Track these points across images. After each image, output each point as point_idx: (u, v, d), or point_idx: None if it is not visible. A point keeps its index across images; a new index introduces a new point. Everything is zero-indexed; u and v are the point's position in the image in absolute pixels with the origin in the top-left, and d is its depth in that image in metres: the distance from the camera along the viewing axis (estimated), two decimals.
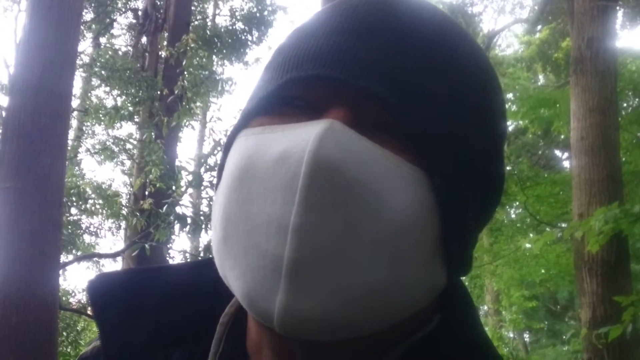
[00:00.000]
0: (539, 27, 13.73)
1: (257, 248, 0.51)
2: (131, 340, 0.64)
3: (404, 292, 0.53)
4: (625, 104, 11.22)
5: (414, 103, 0.53)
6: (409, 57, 0.54)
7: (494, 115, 0.60)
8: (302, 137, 0.51)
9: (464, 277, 0.63)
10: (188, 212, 7.22)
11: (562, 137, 11.06)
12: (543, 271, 10.14)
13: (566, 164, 16.16)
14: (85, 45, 13.16)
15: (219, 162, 0.64)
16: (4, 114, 6.20)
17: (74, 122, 11.61)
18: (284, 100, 0.56)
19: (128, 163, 12.31)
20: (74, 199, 9.00)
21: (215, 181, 0.66)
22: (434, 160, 0.53)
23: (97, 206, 10.22)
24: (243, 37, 13.30)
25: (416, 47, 0.55)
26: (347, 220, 0.49)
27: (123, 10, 14.44)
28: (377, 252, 0.50)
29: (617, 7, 7.52)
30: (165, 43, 11.34)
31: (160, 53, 11.43)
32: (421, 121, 0.53)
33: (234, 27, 13.56)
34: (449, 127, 0.54)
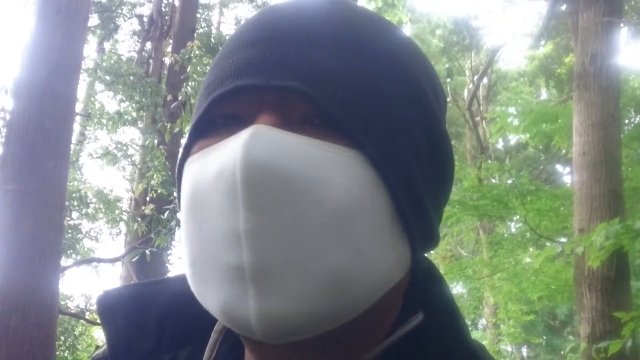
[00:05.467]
0: (543, 42, 13.78)
1: (220, 263, 0.53)
2: (136, 345, 0.68)
3: (367, 269, 0.53)
4: (627, 121, 11.25)
5: (332, 90, 0.54)
6: (321, 50, 0.56)
7: (423, 87, 0.61)
8: (232, 148, 0.53)
9: (461, 289, 0.63)
10: None
11: (564, 152, 11.08)
12: (543, 287, 10.10)
13: (567, 179, 16.18)
14: (89, 50, 13.23)
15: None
16: (8, 116, 6.21)
17: (76, 127, 11.63)
18: (215, 119, 0.58)
19: (129, 168, 12.32)
20: (75, 203, 9.01)
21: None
22: (364, 138, 0.54)
23: (99, 212, 10.22)
24: None
25: (328, 39, 0.57)
26: (293, 213, 0.51)
27: (128, 16, 14.50)
28: (329, 237, 0.51)
29: (621, 24, 7.56)
30: (169, 49, 11.39)
31: (164, 59, 11.47)
32: (342, 105, 0.54)
33: None
34: (372, 104, 0.55)
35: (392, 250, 0.56)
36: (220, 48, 0.65)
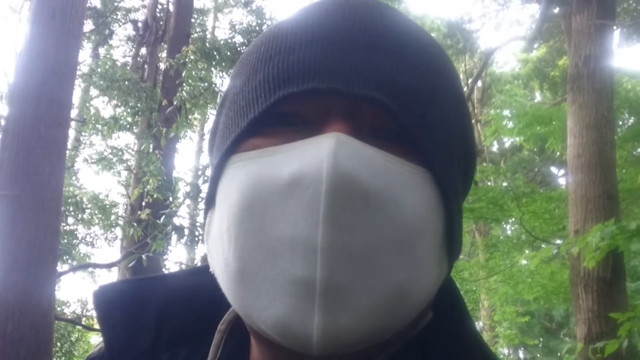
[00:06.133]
0: (537, 45, 13.84)
1: (283, 274, 0.50)
2: (134, 342, 0.66)
3: (422, 286, 0.54)
4: (620, 122, 11.29)
5: (409, 105, 0.54)
6: (396, 61, 0.55)
7: (463, 100, 0.63)
8: (312, 156, 0.50)
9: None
10: (185, 223, 7.22)
11: (558, 154, 11.12)
12: (539, 288, 10.13)
13: (562, 181, 16.23)
14: (84, 56, 13.22)
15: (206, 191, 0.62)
16: (3, 122, 6.21)
17: (71, 132, 11.62)
18: (275, 118, 0.55)
19: (125, 173, 12.31)
20: (71, 208, 9.00)
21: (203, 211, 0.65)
22: (435, 158, 0.54)
23: (94, 217, 10.22)
24: (242, 51, 13.37)
25: (400, 49, 0.56)
26: (371, 230, 0.50)
27: (123, 21, 14.50)
28: (399, 255, 0.51)
29: (614, 26, 7.60)
30: (164, 54, 11.39)
31: (159, 64, 11.47)
32: (419, 123, 0.54)
33: (233, 40, 13.64)
34: (441, 124, 0.56)
35: (439, 266, 0.57)
36: (260, 42, 0.61)
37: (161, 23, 12.12)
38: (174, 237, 7.03)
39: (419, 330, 0.60)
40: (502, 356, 15.65)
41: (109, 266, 9.05)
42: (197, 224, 7.32)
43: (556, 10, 9.71)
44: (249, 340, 0.63)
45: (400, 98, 0.53)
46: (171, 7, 11.82)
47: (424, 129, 0.54)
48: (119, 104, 10.30)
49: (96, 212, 9.96)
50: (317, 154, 0.50)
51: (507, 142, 16.92)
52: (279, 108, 0.54)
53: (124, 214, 10.56)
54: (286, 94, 0.53)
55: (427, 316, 0.61)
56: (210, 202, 0.60)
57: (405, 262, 0.51)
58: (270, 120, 0.55)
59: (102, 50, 14.49)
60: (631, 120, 11.35)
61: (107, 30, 14.12)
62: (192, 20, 12.80)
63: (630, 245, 4.98)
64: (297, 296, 0.49)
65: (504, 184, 11.27)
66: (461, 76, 18.12)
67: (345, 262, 0.49)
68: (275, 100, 0.54)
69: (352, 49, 0.54)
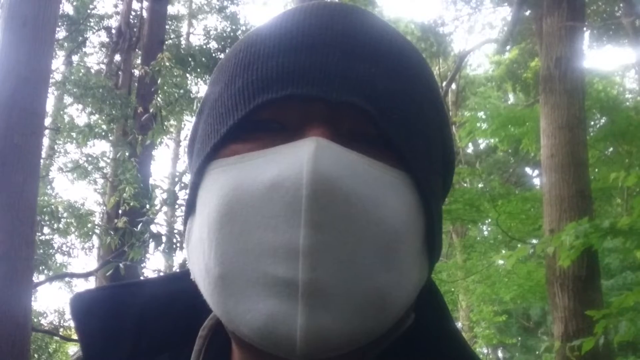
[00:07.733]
0: (509, 47, 14.01)
1: (265, 276, 0.50)
2: (112, 351, 0.65)
3: (404, 290, 0.54)
4: (592, 122, 11.45)
5: (389, 109, 0.54)
6: (374, 66, 0.55)
7: (441, 104, 0.64)
8: (292, 160, 0.51)
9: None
10: (163, 230, 7.17)
11: (532, 154, 11.27)
12: (516, 287, 10.24)
13: (537, 181, 16.41)
14: (57, 63, 13.09)
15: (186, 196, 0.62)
16: None
17: (45, 141, 11.48)
18: (255, 124, 0.55)
19: (101, 182, 12.20)
20: (46, 218, 8.89)
21: (184, 217, 0.64)
22: (415, 162, 0.55)
23: (70, 226, 10.10)
24: (217, 57, 13.35)
25: (378, 54, 0.56)
26: (352, 232, 0.50)
27: (96, 28, 14.37)
28: (380, 258, 0.51)
29: (584, 28, 7.72)
30: (139, 61, 11.32)
31: (133, 71, 11.39)
32: (398, 127, 0.54)
33: (208, 46, 13.60)
34: (419, 127, 0.57)
35: (420, 269, 0.57)
36: (239, 48, 0.61)
37: (135, 30, 12.04)
38: (152, 244, 6.97)
39: (402, 332, 0.60)
40: (481, 356, 15.76)
41: (86, 276, 8.96)
42: (175, 231, 7.27)
43: (527, 12, 9.84)
44: (230, 346, 0.63)
45: (379, 103, 0.53)
46: (145, 14, 11.76)
47: (404, 133, 0.55)
48: (94, 111, 10.23)
49: (72, 221, 9.86)
50: (297, 158, 0.50)
51: (482, 143, 17.09)
52: (258, 114, 0.55)
53: (100, 223, 10.46)
54: (265, 100, 0.54)
55: (410, 318, 0.61)
56: (191, 208, 0.60)
57: (387, 265, 0.52)
58: (250, 126, 0.55)
59: (75, 58, 14.33)
60: (602, 121, 11.52)
61: (81, 38, 13.98)
62: (166, 26, 12.74)
63: (604, 242, 5.05)
64: (280, 298, 0.49)
65: (480, 185, 11.37)
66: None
67: (327, 264, 0.49)
68: (254, 107, 0.54)
69: (330, 54, 0.55)
